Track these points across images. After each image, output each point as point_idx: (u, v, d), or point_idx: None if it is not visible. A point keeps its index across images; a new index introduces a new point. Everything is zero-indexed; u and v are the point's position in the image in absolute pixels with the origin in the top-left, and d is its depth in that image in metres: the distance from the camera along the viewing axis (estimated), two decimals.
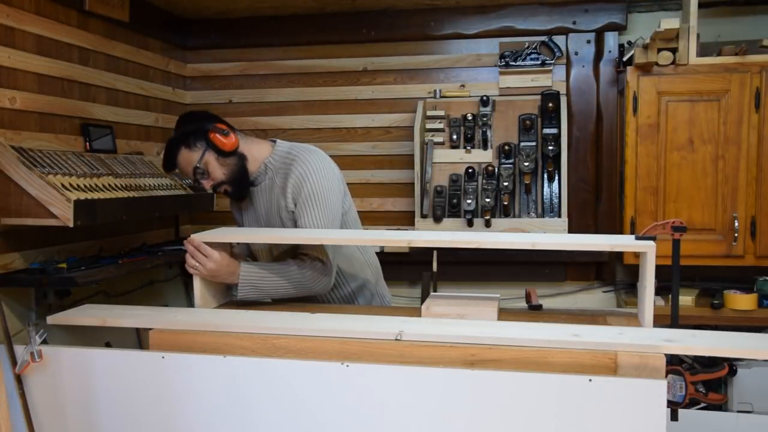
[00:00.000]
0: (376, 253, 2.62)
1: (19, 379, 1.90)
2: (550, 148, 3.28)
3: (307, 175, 2.16)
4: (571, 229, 3.31)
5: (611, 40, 3.37)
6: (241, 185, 2.25)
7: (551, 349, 1.67)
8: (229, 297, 2.30)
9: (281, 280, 2.15)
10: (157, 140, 3.37)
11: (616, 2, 3.31)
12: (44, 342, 1.88)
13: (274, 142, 2.31)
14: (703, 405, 2.99)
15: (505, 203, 3.26)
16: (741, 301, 3.01)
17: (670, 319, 1.90)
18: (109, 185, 2.55)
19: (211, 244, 2.07)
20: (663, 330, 1.78)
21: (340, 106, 3.62)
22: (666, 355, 1.63)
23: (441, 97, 3.48)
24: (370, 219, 3.59)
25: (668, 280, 1.93)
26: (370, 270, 2.47)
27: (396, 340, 1.75)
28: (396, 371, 1.69)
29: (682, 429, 1.92)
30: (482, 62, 3.49)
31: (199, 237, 2.13)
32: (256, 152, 2.26)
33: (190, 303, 3.59)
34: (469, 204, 3.26)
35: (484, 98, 3.38)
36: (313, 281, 2.17)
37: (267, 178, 2.26)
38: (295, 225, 2.20)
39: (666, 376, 1.63)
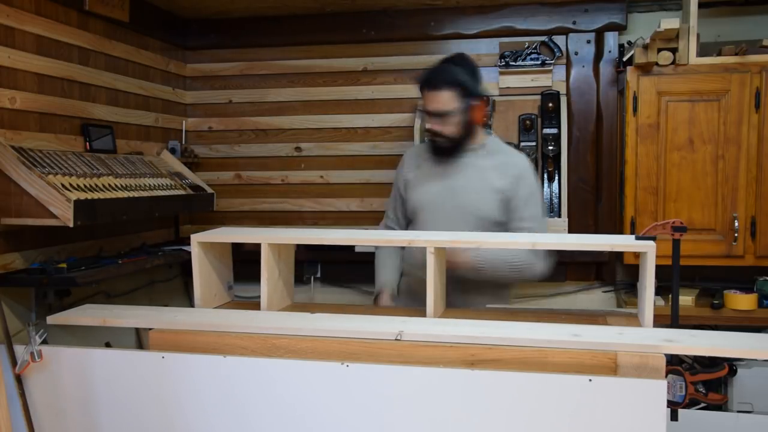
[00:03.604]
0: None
1: (19, 379, 1.90)
2: (550, 148, 3.28)
3: (531, 170, 2.44)
4: (571, 229, 3.31)
5: (611, 40, 3.37)
6: (454, 149, 2.42)
7: (551, 349, 1.67)
8: (229, 297, 2.31)
9: (497, 259, 2.32)
10: (157, 140, 3.37)
11: (616, 2, 3.31)
12: (44, 342, 1.88)
13: (489, 134, 2.56)
14: (703, 405, 2.98)
15: None
16: (741, 301, 3.00)
17: (670, 319, 1.90)
18: (109, 185, 2.55)
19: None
20: (663, 330, 1.78)
21: (340, 106, 3.62)
22: (666, 355, 1.63)
23: None
24: (370, 219, 3.58)
25: (668, 280, 1.93)
26: None
27: (396, 340, 1.75)
28: (396, 371, 1.69)
29: (682, 429, 1.92)
30: (482, 62, 3.48)
31: (199, 237, 2.13)
32: (479, 134, 2.47)
33: (190, 303, 3.59)
34: None
35: None
36: (538, 269, 2.37)
37: (479, 157, 2.44)
38: (498, 205, 2.39)
39: (666, 376, 1.63)
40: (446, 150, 2.43)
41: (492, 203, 2.40)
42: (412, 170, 2.54)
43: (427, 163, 2.50)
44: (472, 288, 2.39)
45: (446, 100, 2.33)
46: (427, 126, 2.42)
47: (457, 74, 2.35)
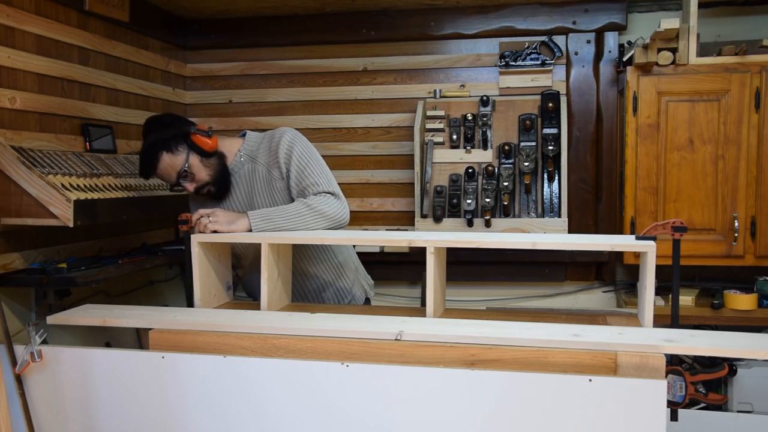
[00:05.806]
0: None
1: (19, 379, 1.90)
2: (550, 148, 3.28)
3: (294, 141, 2.28)
4: (571, 229, 3.31)
5: (611, 40, 3.37)
6: (225, 183, 2.33)
7: (551, 349, 1.67)
8: (228, 297, 2.31)
9: (290, 208, 2.19)
10: None
11: (616, 2, 3.32)
12: (44, 342, 1.88)
13: (244, 135, 2.41)
14: (703, 405, 2.99)
15: (505, 203, 3.26)
16: (741, 301, 3.01)
17: (670, 319, 1.90)
18: (109, 185, 2.55)
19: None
20: (663, 330, 1.78)
21: (340, 106, 3.62)
22: (666, 355, 1.63)
23: (441, 97, 3.48)
24: (370, 219, 3.59)
25: (668, 280, 1.94)
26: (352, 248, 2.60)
27: (396, 340, 1.75)
28: (396, 371, 1.69)
29: (682, 429, 1.92)
30: (482, 62, 3.49)
31: (197, 238, 2.13)
32: (229, 147, 2.37)
33: (190, 303, 3.59)
34: (469, 204, 3.26)
35: (484, 98, 3.38)
36: (325, 205, 2.20)
37: (244, 166, 2.34)
38: (290, 192, 2.27)
39: (666, 376, 1.63)
40: (221, 190, 2.33)
41: (284, 193, 2.30)
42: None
43: (214, 206, 2.36)
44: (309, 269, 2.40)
45: (170, 166, 2.24)
46: (189, 191, 2.32)
47: (153, 141, 2.24)
